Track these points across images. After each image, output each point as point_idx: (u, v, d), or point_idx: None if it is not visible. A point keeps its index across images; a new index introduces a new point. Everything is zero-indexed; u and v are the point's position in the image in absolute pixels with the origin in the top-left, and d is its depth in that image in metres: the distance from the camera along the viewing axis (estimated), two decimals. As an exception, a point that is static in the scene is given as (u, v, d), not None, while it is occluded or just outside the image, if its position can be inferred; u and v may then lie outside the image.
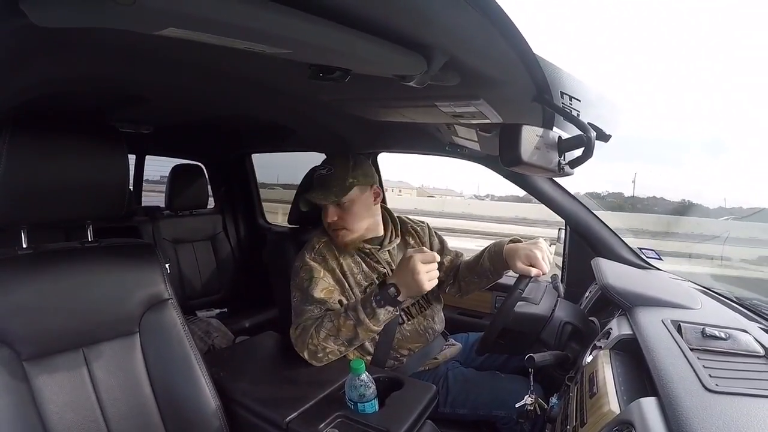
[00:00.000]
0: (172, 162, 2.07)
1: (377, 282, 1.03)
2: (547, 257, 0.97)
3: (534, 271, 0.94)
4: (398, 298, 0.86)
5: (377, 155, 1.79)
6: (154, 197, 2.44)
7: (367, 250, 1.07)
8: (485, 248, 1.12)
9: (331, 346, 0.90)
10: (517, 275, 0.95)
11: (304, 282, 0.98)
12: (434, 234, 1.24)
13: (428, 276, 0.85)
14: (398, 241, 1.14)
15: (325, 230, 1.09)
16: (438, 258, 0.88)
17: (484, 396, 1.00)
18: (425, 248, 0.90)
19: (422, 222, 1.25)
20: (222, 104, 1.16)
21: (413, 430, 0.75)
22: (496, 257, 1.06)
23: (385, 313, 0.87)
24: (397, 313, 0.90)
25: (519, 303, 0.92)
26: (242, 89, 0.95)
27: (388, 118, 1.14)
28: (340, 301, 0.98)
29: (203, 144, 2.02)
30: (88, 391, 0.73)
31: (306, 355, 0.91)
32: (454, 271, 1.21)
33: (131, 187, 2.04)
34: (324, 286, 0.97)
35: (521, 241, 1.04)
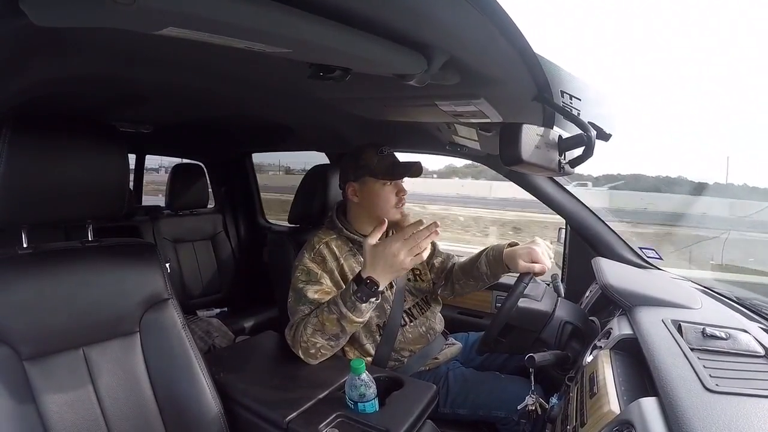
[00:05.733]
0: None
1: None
2: (546, 253, 0.98)
3: (537, 267, 0.95)
4: (378, 290, 0.83)
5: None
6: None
7: None
8: (482, 252, 1.11)
9: (320, 342, 0.89)
10: (519, 274, 0.96)
11: (299, 282, 0.97)
12: None
13: (410, 252, 0.80)
14: None
15: (326, 229, 1.08)
16: (408, 234, 0.82)
17: (484, 396, 1.00)
18: (378, 230, 0.86)
19: None
20: (222, 104, 1.16)
21: (413, 429, 0.75)
22: (495, 262, 1.06)
23: (368, 306, 0.85)
24: (378, 301, 0.87)
25: (521, 299, 0.92)
26: (242, 89, 0.95)
27: (388, 117, 1.13)
28: None
29: (203, 143, 2.02)
30: (88, 391, 0.73)
31: (300, 353, 0.91)
32: (446, 273, 1.21)
33: (131, 187, 2.05)
34: (319, 288, 0.96)
35: (518, 244, 1.04)
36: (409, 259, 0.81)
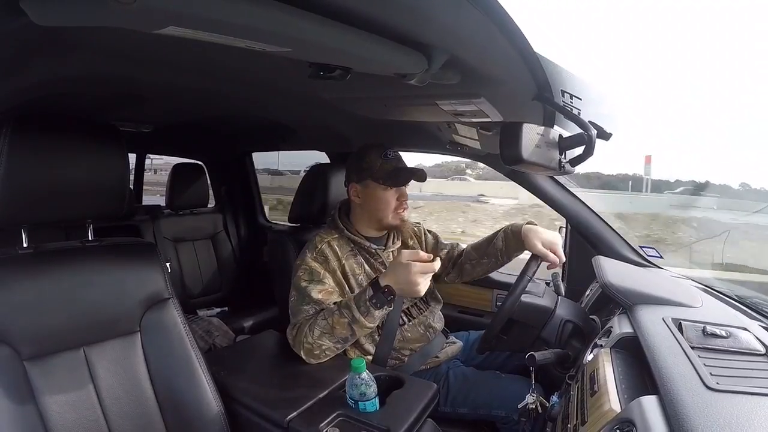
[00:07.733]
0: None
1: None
2: (562, 248, 0.99)
3: (551, 257, 0.96)
4: (393, 299, 0.85)
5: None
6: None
7: (373, 251, 1.06)
8: (500, 230, 1.11)
9: (326, 344, 0.89)
10: (527, 262, 0.96)
11: (302, 281, 0.97)
12: (427, 231, 1.26)
13: (426, 284, 0.84)
14: (399, 244, 1.15)
15: (328, 229, 1.08)
16: (436, 268, 0.84)
17: (485, 395, 1.00)
18: (421, 252, 0.87)
19: (418, 222, 1.27)
20: (222, 103, 1.16)
21: (414, 428, 0.75)
22: (513, 237, 1.06)
23: (381, 313, 0.86)
24: (391, 308, 0.89)
25: (523, 295, 0.93)
26: (242, 88, 0.95)
27: (388, 117, 1.14)
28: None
29: (204, 143, 2.02)
30: (88, 391, 0.73)
31: (302, 354, 0.91)
32: (453, 260, 1.21)
33: (132, 186, 2.05)
34: (323, 288, 0.96)
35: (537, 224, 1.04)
36: (425, 287, 0.84)
